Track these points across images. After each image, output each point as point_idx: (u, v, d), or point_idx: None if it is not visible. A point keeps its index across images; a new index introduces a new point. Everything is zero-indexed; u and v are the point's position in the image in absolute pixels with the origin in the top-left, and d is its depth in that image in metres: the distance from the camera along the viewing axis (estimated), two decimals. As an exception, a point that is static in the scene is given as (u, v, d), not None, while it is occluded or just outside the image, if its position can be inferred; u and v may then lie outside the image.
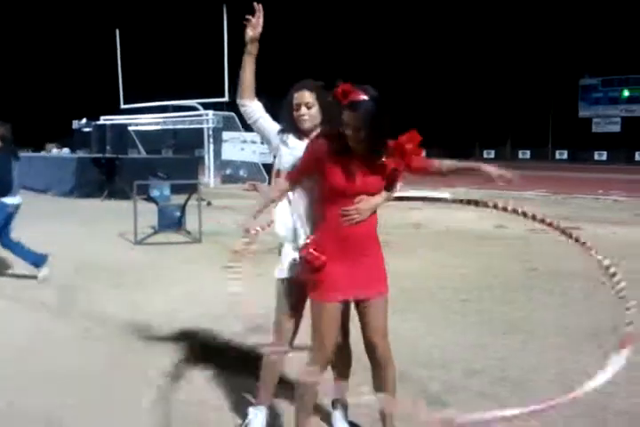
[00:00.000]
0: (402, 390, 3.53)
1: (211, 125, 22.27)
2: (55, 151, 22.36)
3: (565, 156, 54.37)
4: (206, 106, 22.84)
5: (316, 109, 2.80)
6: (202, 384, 3.66)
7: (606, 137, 53.80)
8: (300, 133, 2.85)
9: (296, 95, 2.81)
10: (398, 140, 2.57)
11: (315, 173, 2.62)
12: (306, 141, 2.79)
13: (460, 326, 4.90)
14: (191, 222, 9.24)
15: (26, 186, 18.42)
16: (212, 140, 22.26)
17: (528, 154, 56.99)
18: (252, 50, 2.88)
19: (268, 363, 2.99)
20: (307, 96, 2.80)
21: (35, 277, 6.29)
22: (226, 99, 21.55)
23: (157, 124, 25.64)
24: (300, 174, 2.67)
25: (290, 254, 2.84)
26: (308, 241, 2.61)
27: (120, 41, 25.44)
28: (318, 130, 2.81)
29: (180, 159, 20.78)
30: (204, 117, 22.72)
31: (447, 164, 2.76)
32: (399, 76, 59.57)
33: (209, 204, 13.14)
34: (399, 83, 60.29)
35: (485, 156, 59.04)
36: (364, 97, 2.43)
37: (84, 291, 5.97)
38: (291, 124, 2.86)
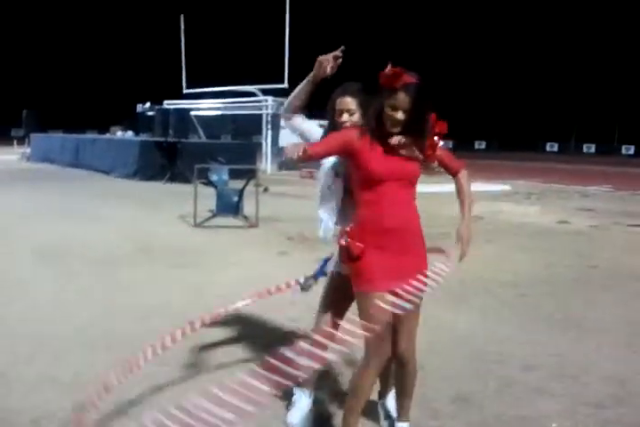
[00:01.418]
0: (457, 384, 3.55)
1: (269, 111, 22.42)
2: (119, 134, 22.95)
3: (632, 151, 52.51)
4: (266, 92, 22.99)
5: (357, 116, 2.79)
6: (251, 366, 3.72)
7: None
8: None
9: (338, 101, 2.81)
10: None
11: (341, 155, 2.62)
12: None
13: (517, 321, 4.83)
14: (248, 207, 9.36)
15: (91, 166, 19.12)
16: (269, 126, 22.41)
17: (593, 148, 55.32)
18: (317, 80, 2.85)
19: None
20: (349, 102, 2.79)
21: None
22: (285, 85, 21.62)
23: (218, 109, 25.95)
24: (323, 149, 2.55)
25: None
26: (348, 229, 2.56)
27: (184, 26, 25.81)
28: None
29: (238, 145, 21.02)
30: (263, 103, 22.89)
31: (461, 188, 2.75)
32: (467, 69, 58.68)
33: (266, 190, 13.27)
34: (467, 75, 59.46)
35: (549, 149, 57.62)
36: (416, 80, 2.42)
37: (144, 270, 6.14)
38: (334, 131, 2.83)
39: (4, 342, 4.02)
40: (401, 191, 2.55)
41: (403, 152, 2.51)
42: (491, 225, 9.99)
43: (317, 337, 2.54)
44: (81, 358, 3.79)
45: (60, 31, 61.59)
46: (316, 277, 2.98)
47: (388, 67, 2.41)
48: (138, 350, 3.83)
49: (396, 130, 2.48)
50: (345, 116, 2.79)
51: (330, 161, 2.87)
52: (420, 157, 2.54)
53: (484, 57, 58.89)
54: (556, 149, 57.53)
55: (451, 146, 61.74)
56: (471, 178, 2.80)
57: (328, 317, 2.93)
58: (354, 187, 2.63)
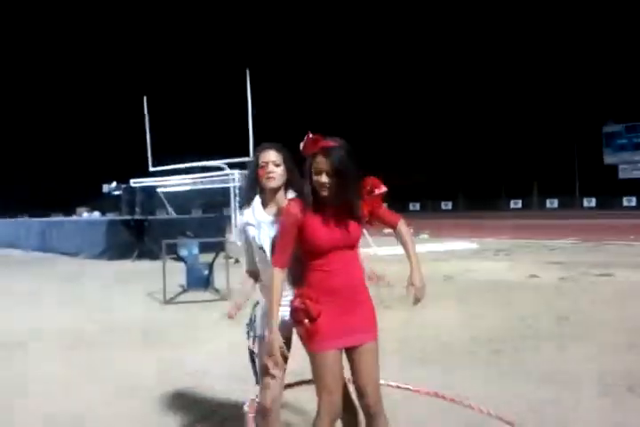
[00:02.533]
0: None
1: (236, 184, 22.65)
2: (86, 215, 22.87)
3: (594, 203, 53.92)
4: (232, 166, 23.30)
5: (282, 169, 2.85)
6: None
7: (634, 183, 53.37)
8: (266, 196, 2.90)
9: (262, 155, 2.86)
10: (366, 182, 2.66)
11: (298, 239, 2.64)
12: (270, 209, 2.86)
13: (494, 377, 4.79)
14: (219, 280, 9.28)
15: (58, 249, 18.88)
16: (237, 198, 22.57)
17: (556, 203, 56.68)
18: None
19: (266, 423, 2.94)
20: (273, 155, 2.86)
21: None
22: (250, 158, 21.95)
23: (185, 184, 26.13)
24: (287, 251, 2.65)
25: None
26: (300, 292, 2.63)
27: (147, 106, 26.32)
28: (285, 194, 2.87)
29: (207, 218, 21.08)
30: (230, 177, 23.15)
31: (403, 239, 2.83)
32: (425, 128, 60.44)
33: (237, 261, 13.21)
34: (425, 135, 61.19)
35: (513, 206, 58.83)
36: (334, 144, 2.52)
37: (112, 351, 5.98)
38: (254, 188, 2.90)
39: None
40: (346, 254, 2.65)
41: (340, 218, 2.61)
42: (461, 283, 10.04)
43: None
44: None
45: (20, 114, 62.21)
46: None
47: (308, 135, 2.53)
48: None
49: (326, 193, 2.55)
50: (270, 167, 2.82)
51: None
52: (360, 217, 2.65)
53: (439, 118, 60.86)
54: (520, 205, 58.79)
55: (418, 208, 62.91)
56: (410, 232, 2.92)
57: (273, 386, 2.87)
58: (302, 253, 2.68)
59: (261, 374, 2.91)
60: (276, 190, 2.87)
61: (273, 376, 2.85)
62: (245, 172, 3.01)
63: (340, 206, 2.60)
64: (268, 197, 2.90)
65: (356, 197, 2.60)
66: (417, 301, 2.76)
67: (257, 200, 2.92)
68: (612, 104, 54.82)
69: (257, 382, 2.97)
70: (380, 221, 2.77)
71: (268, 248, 2.84)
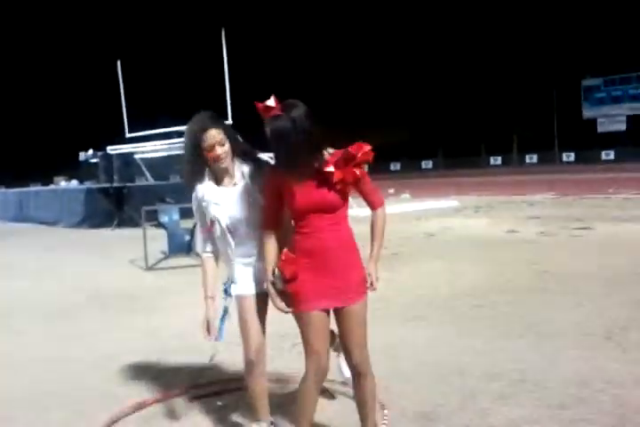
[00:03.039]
0: (420, 398, 3.54)
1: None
2: (63, 184, 22.56)
3: (573, 158, 54.31)
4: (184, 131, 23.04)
5: (228, 144, 2.76)
6: (211, 407, 3.65)
7: (612, 136, 53.74)
8: (217, 174, 2.84)
9: (204, 137, 2.70)
10: (348, 150, 2.59)
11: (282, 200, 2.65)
12: (225, 186, 2.82)
13: (475, 331, 4.86)
14: (201, 245, 9.25)
15: (36, 219, 18.70)
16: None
17: (535, 158, 56.97)
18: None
19: (246, 377, 2.99)
20: (216, 134, 2.72)
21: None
22: (229, 121, 21.71)
23: (163, 150, 25.83)
24: (273, 214, 2.68)
25: (243, 270, 2.92)
26: (282, 254, 2.64)
27: (122, 71, 25.78)
28: (233, 163, 2.82)
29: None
30: (209, 141, 22.91)
31: (374, 225, 2.76)
32: (404, 85, 59.99)
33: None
34: (404, 93, 60.80)
35: (492, 162, 59.08)
36: (278, 113, 2.46)
37: (97, 319, 5.99)
38: (202, 169, 2.80)
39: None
40: (324, 217, 2.61)
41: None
42: (441, 241, 10.13)
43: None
44: (35, 417, 3.64)
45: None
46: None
47: (269, 100, 2.48)
48: (95, 401, 3.75)
49: (283, 162, 2.53)
50: (218, 149, 2.73)
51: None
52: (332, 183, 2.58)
53: (418, 74, 60.41)
54: (499, 162, 59.02)
55: (399, 167, 62.94)
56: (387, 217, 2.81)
57: (259, 336, 2.92)
58: (288, 216, 2.70)
59: (242, 329, 2.92)
60: (227, 168, 2.82)
61: (253, 329, 2.88)
62: (183, 145, 2.88)
63: (307, 172, 2.56)
64: (219, 174, 2.84)
65: (292, 164, 2.51)
66: (371, 288, 2.71)
67: (207, 177, 2.84)
68: (590, 58, 54.68)
69: (215, 340, 3.01)
70: (362, 196, 2.70)
71: (225, 223, 2.84)
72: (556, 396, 3.48)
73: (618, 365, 3.93)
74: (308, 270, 2.61)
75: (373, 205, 2.74)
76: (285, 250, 2.65)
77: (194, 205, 2.94)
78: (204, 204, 2.86)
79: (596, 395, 3.47)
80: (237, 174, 2.85)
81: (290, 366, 3.92)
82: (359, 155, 2.56)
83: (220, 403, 3.60)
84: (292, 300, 2.65)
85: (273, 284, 2.66)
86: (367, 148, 2.59)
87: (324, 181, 2.57)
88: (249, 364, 2.93)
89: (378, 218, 2.75)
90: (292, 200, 2.59)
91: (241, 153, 2.84)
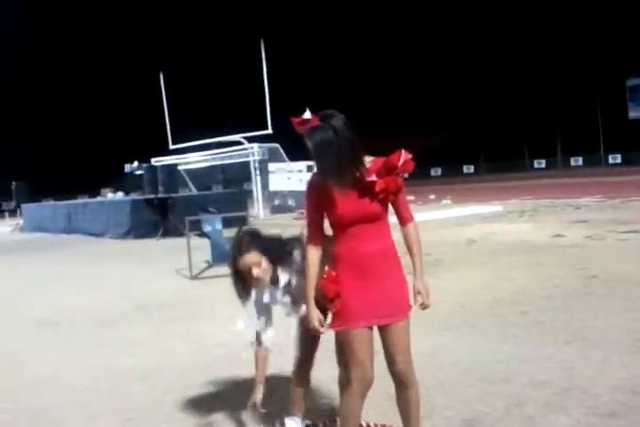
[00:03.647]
0: (464, 407, 3.51)
1: (256, 158, 22.67)
2: (110, 195, 23.09)
3: (619, 159, 52.91)
4: (251, 139, 23.28)
5: (265, 262, 2.92)
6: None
7: (660, 137, 52.25)
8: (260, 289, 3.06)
9: (244, 262, 2.90)
10: (390, 158, 2.56)
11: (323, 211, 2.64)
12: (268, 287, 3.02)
13: (521, 338, 4.79)
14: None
15: (84, 230, 19.17)
16: (258, 172, 22.63)
17: (580, 161, 55.72)
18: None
19: (295, 377, 3.18)
20: (250, 257, 2.90)
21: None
22: (269, 131, 21.94)
23: (205, 161, 26.22)
24: (317, 228, 2.67)
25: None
26: (325, 272, 2.63)
27: (164, 83, 26.31)
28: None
29: (229, 193, 21.18)
30: (250, 150, 23.15)
31: (410, 240, 2.70)
32: (442, 90, 59.59)
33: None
34: (444, 96, 60.36)
35: (536, 166, 58.01)
36: (318, 123, 2.44)
37: (144, 328, 6.11)
38: (247, 290, 3.01)
39: (5, 417, 3.95)
40: (369, 227, 2.58)
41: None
42: (485, 247, 10.00)
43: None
44: (85, 424, 3.73)
45: (40, 100, 62.51)
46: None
47: (305, 114, 2.46)
48: (144, 410, 3.82)
49: (327, 172, 2.51)
50: (255, 271, 2.90)
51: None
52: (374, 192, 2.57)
53: (464, 78, 59.88)
54: (543, 165, 57.95)
55: (439, 173, 62.40)
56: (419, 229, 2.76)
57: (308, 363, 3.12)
58: (331, 227, 2.68)
59: (297, 343, 3.13)
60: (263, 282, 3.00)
61: (307, 348, 3.07)
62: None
63: (349, 182, 2.52)
64: (258, 289, 3.06)
65: (340, 174, 2.48)
66: (424, 307, 2.68)
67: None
68: (634, 57, 53.33)
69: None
70: (395, 209, 2.67)
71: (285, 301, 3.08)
72: (605, 404, 3.41)
73: (669, 371, 3.83)
74: (352, 285, 2.56)
75: (406, 220, 2.69)
76: (327, 268, 2.64)
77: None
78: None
79: (647, 403, 3.39)
80: (282, 280, 3.02)
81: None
82: (401, 164, 2.53)
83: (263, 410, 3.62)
84: (335, 319, 2.62)
85: (316, 301, 2.65)
86: (408, 156, 2.55)
87: (367, 190, 2.54)
88: (299, 361, 3.13)
89: (414, 233, 2.70)
90: (334, 210, 2.56)
91: (277, 259, 2.98)
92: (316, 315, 2.64)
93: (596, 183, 27.61)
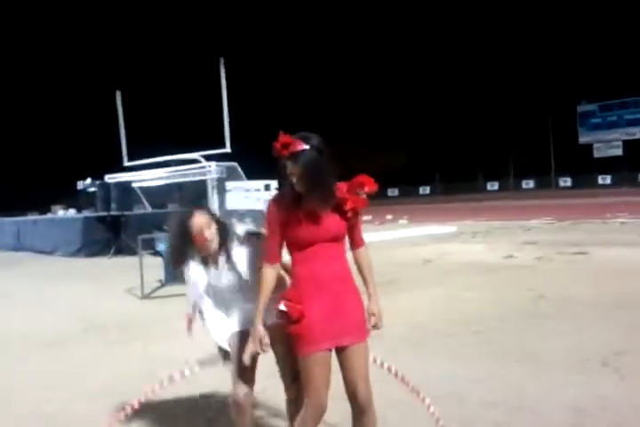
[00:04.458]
0: (416, 426, 3.51)
1: (214, 176, 22.51)
2: (61, 212, 22.57)
3: (569, 183, 54.49)
4: (208, 158, 23.14)
5: (214, 227, 2.91)
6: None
7: (609, 161, 54.00)
8: (206, 256, 2.97)
9: (195, 222, 2.86)
10: (359, 178, 2.63)
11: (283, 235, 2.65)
12: (214, 263, 2.95)
13: (473, 358, 4.84)
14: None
15: (33, 248, 18.66)
16: (215, 190, 22.46)
17: (532, 183, 57.14)
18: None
19: (232, 414, 2.99)
20: (202, 219, 2.89)
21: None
22: (227, 149, 21.85)
23: (161, 178, 25.92)
24: (277, 248, 2.67)
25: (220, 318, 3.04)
26: (284, 294, 2.61)
27: (122, 100, 25.99)
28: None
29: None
30: (207, 169, 22.98)
31: (363, 263, 2.77)
32: (400, 112, 60.48)
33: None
34: (399, 119, 61.27)
35: (489, 188, 59.28)
36: (304, 146, 2.48)
37: (92, 348, 5.95)
38: (188, 252, 2.93)
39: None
40: (330, 248, 2.61)
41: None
42: (439, 267, 10.12)
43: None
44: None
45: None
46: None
47: (279, 136, 2.49)
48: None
49: (302, 192, 2.53)
50: (207, 233, 2.87)
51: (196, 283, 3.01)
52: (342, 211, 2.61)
53: (415, 100, 60.87)
54: (496, 187, 59.23)
55: (397, 193, 63.08)
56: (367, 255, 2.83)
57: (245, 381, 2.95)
58: (289, 250, 2.68)
59: (234, 369, 2.92)
60: (216, 250, 2.95)
61: (244, 372, 2.88)
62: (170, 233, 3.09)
63: (320, 203, 2.56)
64: (203, 257, 2.98)
65: (327, 194, 2.54)
66: (376, 328, 2.73)
67: (193, 262, 2.99)
68: (585, 83, 55.16)
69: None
70: (349, 233, 2.70)
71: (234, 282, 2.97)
72: (554, 423, 3.47)
73: (615, 391, 3.91)
74: (314, 307, 2.55)
75: (359, 243, 2.75)
76: (290, 290, 2.63)
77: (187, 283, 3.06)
78: (190, 296, 3.05)
79: (594, 421, 3.45)
80: (222, 258, 2.96)
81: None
82: (367, 185, 2.60)
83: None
84: (297, 341, 2.59)
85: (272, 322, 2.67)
86: (371, 179, 2.63)
87: (335, 209, 2.58)
88: (235, 402, 2.93)
89: (366, 256, 2.76)
90: (297, 231, 2.56)
91: (224, 231, 2.96)
92: (258, 336, 2.63)
93: (547, 205, 28.33)
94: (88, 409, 4.18)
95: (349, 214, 2.60)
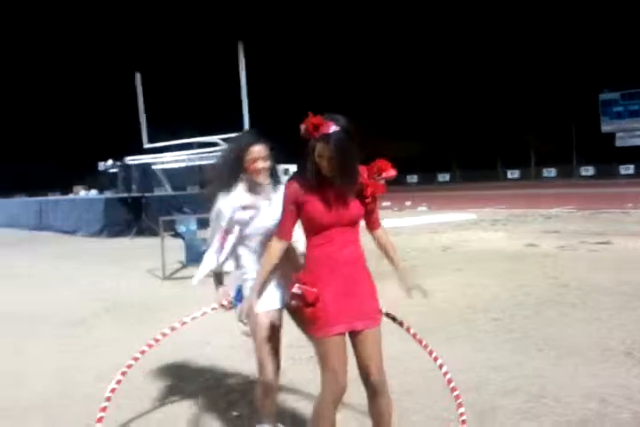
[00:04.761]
0: (433, 414, 3.51)
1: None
2: (83, 193, 22.78)
3: (591, 172, 53.87)
4: (227, 141, 23.15)
5: (269, 163, 2.89)
6: (224, 407, 3.65)
7: (631, 151, 53.24)
8: (250, 185, 2.93)
9: (252, 150, 2.85)
10: (378, 163, 2.62)
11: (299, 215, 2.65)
12: (256, 196, 2.89)
13: (492, 345, 4.82)
14: (218, 255, 9.28)
15: (55, 227, 18.88)
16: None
17: (553, 172, 56.54)
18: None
19: (260, 397, 3.02)
20: (263, 151, 2.87)
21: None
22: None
23: (181, 161, 25.99)
24: (290, 226, 2.66)
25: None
26: (297, 277, 2.60)
27: (142, 82, 26.04)
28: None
29: (204, 194, 20.99)
30: (227, 152, 22.98)
31: (386, 242, 2.79)
32: (418, 98, 59.98)
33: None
34: (421, 105, 60.77)
35: (510, 176, 58.73)
36: (335, 128, 2.46)
37: (112, 329, 6.01)
38: (237, 176, 2.90)
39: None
40: (347, 232, 2.62)
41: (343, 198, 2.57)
42: (459, 254, 10.07)
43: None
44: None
45: (15, 95, 61.58)
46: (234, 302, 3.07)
47: (309, 117, 2.47)
48: (108, 415, 3.75)
49: (329, 175, 2.53)
50: (260, 163, 2.85)
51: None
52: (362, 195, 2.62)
53: (439, 89, 60.38)
54: (517, 175, 58.69)
55: (416, 180, 62.81)
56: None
57: (271, 356, 2.92)
58: (304, 232, 2.67)
59: (258, 350, 2.92)
60: (260, 183, 2.92)
61: (270, 351, 2.88)
62: (224, 153, 3.01)
63: (343, 185, 2.56)
64: (252, 186, 2.93)
65: (355, 177, 2.55)
66: (424, 293, 2.82)
67: (240, 187, 2.93)
68: (607, 71, 54.35)
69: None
70: (367, 215, 2.71)
71: (247, 231, 2.92)
72: (576, 412, 3.44)
73: (638, 381, 3.88)
74: (329, 291, 2.56)
75: (377, 225, 2.78)
76: (305, 273, 2.61)
77: (213, 214, 3.00)
78: (228, 211, 2.90)
79: (617, 412, 3.43)
80: (269, 191, 2.94)
81: (305, 376, 3.91)
82: (386, 171, 2.60)
83: (235, 413, 3.59)
84: (310, 324, 2.60)
85: (289, 304, 2.67)
86: (389, 164, 2.62)
87: (356, 193, 2.59)
88: (265, 385, 2.94)
89: (385, 235, 2.80)
90: (318, 213, 2.56)
91: (275, 174, 2.96)
92: (251, 303, 2.70)
93: (568, 194, 28.04)
94: (98, 391, 4.21)
95: (369, 200, 2.61)
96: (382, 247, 2.79)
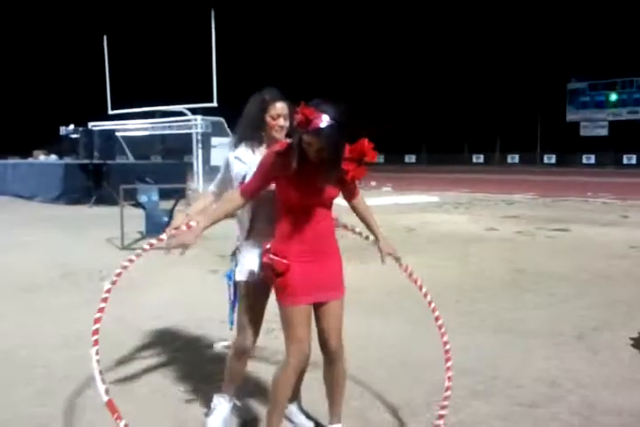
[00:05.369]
0: (388, 390, 3.54)
1: (199, 130, 22.17)
2: (42, 158, 22.18)
3: (554, 160, 54.69)
4: (195, 111, 22.76)
5: (288, 122, 2.88)
6: (178, 379, 3.62)
7: (594, 140, 54.20)
8: (267, 141, 2.90)
9: (275, 106, 2.85)
10: (360, 146, 2.60)
11: (270, 185, 2.67)
12: (258, 155, 2.84)
13: (450, 327, 4.84)
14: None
15: (13, 192, 18.41)
16: (200, 145, 22.15)
17: (517, 158, 57.27)
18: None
19: (231, 359, 3.04)
20: (284, 108, 2.87)
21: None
22: (214, 104, 21.49)
23: (146, 129, 25.50)
24: (257, 189, 2.67)
25: (248, 257, 2.88)
26: (268, 247, 2.64)
27: (107, 47, 25.38)
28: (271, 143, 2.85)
29: (168, 164, 20.74)
30: (193, 122, 22.62)
31: (364, 209, 2.90)
32: (388, 83, 59.97)
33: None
34: (388, 91, 60.79)
35: (475, 160, 59.35)
36: (327, 121, 2.41)
37: (68, 296, 5.90)
38: (257, 131, 2.89)
39: None
40: (319, 210, 2.66)
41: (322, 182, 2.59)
42: (421, 236, 10.14)
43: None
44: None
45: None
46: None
47: (301, 107, 2.42)
48: (60, 379, 3.68)
49: (314, 160, 2.52)
50: (281, 121, 2.86)
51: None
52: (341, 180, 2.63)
53: (406, 71, 60.45)
54: (482, 160, 59.30)
55: (382, 160, 62.98)
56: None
57: (251, 324, 2.92)
58: (277, 203, 2.69)
59: (239, 316, 2.94)
60: (275, 141, 2.87)
61: (252, 319, 2.90)
62: (248, 105, 3.01)
63: (324, 171, 2.56)
64: (268, 142, 2.90)
65: (340, 167, 2.56)
66: (398, 261, 2.92)
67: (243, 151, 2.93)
68: (576, 62, 54.97)
69: (231, 327, 3.06)
70: (345, 190, 2.77)
71: None
72: (527, 394, 3.51)
73: (588, 366, 3.97)
74: (299, 262, 2.61)
75: (356, 194, 2.85)
76: (275, 244, 2.64)
77: (224, 164, 3.02)
78: (235, 162, 2.92)
79: (566, 395, 3.50)
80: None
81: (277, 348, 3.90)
82: (367, 155, 2.60)
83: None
84: (278, 292, 2.67)
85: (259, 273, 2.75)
86: (371, 146, 2.62)
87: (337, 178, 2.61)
88: (239, 349, 2.97)
89: (363, 202, 2.90)
90: (293, 191, 2.57)
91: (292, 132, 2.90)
92: (184, 239, 2.77)
93: (530, 181, 28.48)
94: (56, 358, 4.15)
95: (350, 185, 2.71)
96: (360, 214, 2.89)
